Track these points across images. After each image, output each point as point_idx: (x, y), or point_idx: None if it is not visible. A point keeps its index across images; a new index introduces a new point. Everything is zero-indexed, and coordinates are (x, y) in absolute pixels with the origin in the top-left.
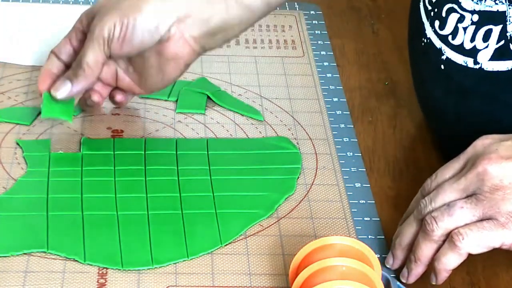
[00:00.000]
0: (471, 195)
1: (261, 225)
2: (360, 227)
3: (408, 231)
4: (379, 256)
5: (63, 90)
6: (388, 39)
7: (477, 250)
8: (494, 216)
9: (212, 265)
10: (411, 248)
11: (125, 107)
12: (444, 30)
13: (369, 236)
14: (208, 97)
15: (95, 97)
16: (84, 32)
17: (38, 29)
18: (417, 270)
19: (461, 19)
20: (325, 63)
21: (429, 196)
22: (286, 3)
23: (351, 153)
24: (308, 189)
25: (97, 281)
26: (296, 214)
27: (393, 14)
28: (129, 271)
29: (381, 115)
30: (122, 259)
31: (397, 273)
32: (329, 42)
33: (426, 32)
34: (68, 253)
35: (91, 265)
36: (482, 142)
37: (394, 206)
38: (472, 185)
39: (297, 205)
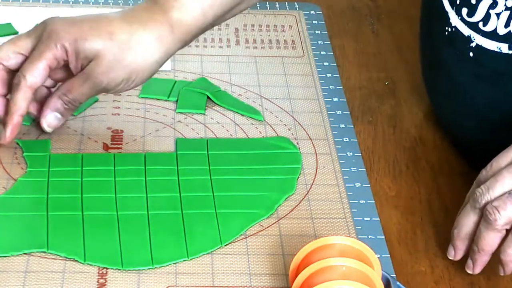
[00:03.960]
0: None
1: (261, 225)
2: (360, 227)
3: (465, 221)
4: (379, 256)
5: (54, 125)
6: (388, 39)
7: None
8: None
9: (212, 265)
10: (471, 238)
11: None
12: (473, 17)
13: (369, 236)
14: (208, 97)
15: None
16: (66, 62)
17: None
18: (482, 260)
19: (493, 5)
20: (325, 63)
21: (486, 185)
22: (286, 3)
23: (351, 153)
24: (308, 189)
25: (97, 281)
26: (296, 214)
27: (393, 14)
28: (129, 271)
29: (381, 115)
30: (122, 259)
31: (397, 274)
32: (329, 42)
33: (451, 20)
34: (68, 253)
35: (91, 265)
36: None
37: (394, 206)
38: None
39: (297, 205)
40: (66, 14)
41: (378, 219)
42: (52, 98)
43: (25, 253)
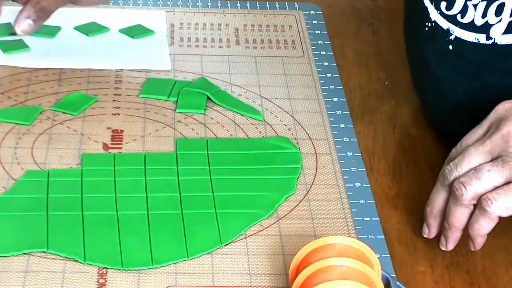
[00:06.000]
0: (496, 158)
1: (261, 225)
2: (360, 227)
3: (436, 198)
4: (379, 256)
5: (26, 28)
6: (388, 39)
7: (507, 213)
8: None
9: (212, 265)
10: (442, 215)
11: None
12: (451, 10)
13: (369, 236)
14: (208, 97)
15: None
16: None
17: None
18: (454, 236)
19: None
20: (325, 63)
21: (454, 162)
22: (286, 3)
23: (351, 153)
24: (308, 189)
25: (97, 281)
26: (296, 214)
27: (393, 14)
28: (129, 271)
29: (381, 115)
30: (122, 259)
31: (397, 274)
32: (329, 42)
33: (431, 15)
34: (68, 253)
35: (91, 265)
36: (503, 106)
37: (394, 206)
38: (497, 147)
39: (297, 205)
40: (66, 14)
41: (378, 219)
42: (26, 6)
43: (25, 253)
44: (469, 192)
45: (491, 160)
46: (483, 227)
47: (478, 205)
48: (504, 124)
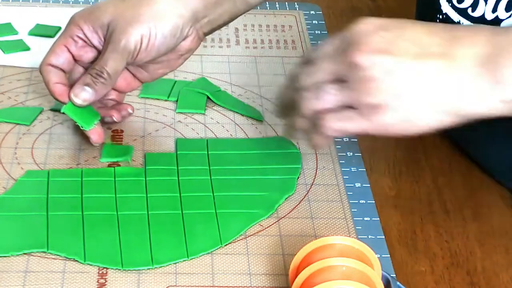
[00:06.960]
0: (341, 80)
1: (261, 225)
2: (360, 227)
3: (285, 94)
4: (379, 256)
5: (83, 97)
6: None
7: (336, 134)
8: (356, 106)
9: (212, 265)
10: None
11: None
12: (463, 3)
13: (369, 236)
14: (208, 97)
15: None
16: (84, 40)
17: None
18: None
19: None
20: None
21: (307, 70)
22: (286, 3)
23: (351, 153)
24: (308, 189)
25: (97, 281)
26: (296, 214)
27: (393, 14)
28: (129, 271)
29: None
30: (122, 259)
31: (397, 274)
32: None
33: (442, 8)
34: (68, 253)
35: (91, 265)
36: (362, 27)
37: (394, 206)
38: (342, 71)
39: (297, 205)
40: (66, 14)
41: (378, 219)
42: (83, 74)
43: (25, 253)
44: (307, 108)
45: (335, 81)
46: (318, 142)
47: (314, 120)
48: (351, 51)
